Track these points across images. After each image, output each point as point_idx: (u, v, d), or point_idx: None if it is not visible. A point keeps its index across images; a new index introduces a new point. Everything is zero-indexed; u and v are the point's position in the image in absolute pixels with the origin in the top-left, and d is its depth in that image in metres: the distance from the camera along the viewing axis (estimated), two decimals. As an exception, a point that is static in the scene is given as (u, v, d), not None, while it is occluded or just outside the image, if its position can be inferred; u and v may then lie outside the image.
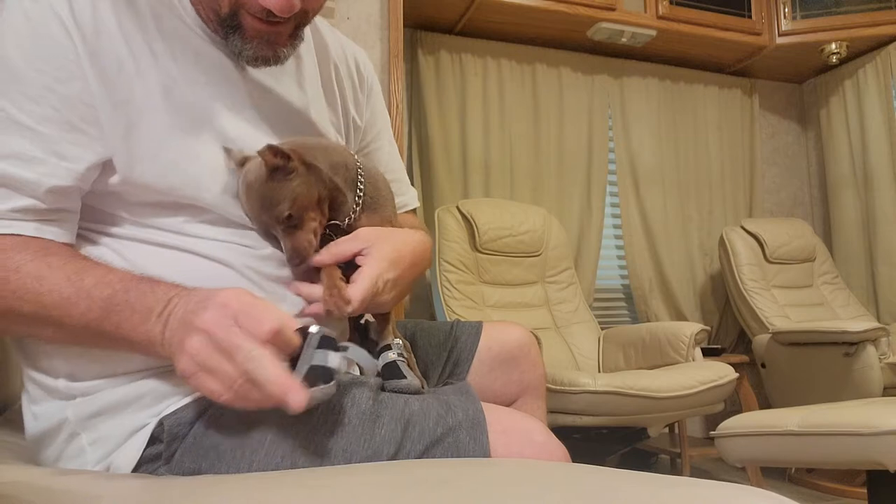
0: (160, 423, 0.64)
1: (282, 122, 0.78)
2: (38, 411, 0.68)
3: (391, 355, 0.78)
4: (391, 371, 0.78)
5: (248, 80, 0.75)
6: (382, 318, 0.82)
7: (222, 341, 0.54)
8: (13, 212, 0.62)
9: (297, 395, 0.52)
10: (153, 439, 0.64)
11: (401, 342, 0.82)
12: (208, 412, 0.64)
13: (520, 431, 0.61)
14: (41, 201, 0.63)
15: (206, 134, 0.71)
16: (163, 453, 0.63)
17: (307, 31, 0.83)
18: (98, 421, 0.65)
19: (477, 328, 0.99)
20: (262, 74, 0.76)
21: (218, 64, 0.73)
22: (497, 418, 0.61)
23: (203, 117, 0.71)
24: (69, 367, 0.66)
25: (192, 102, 0.70)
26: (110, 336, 0.61)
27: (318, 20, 0.88)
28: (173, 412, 0.64)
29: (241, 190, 0.70)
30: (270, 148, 0.66)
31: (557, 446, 0.61)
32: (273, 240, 0.72)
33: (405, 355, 0.82)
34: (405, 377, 0.76)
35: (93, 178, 0.66)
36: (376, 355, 0.80)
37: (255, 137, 0.74)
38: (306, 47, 0.84)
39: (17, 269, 0.61)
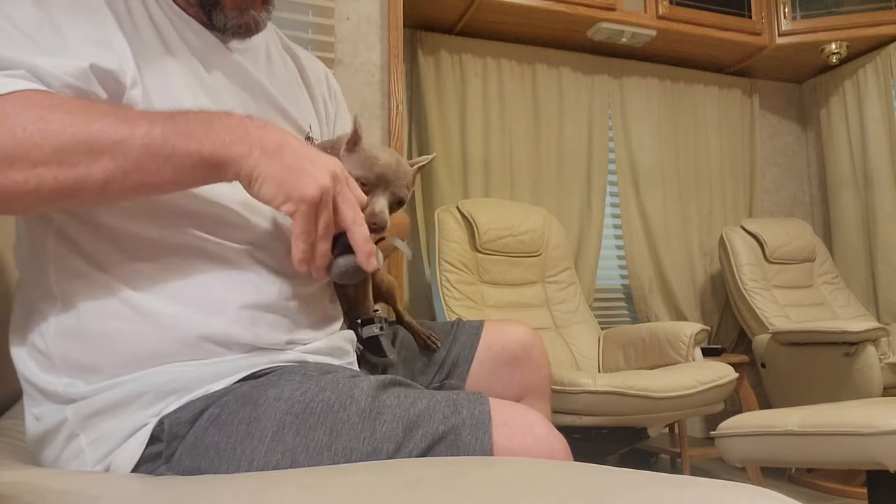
0: (160, 423, 0.64)
1: (260, 103, 0.82)
2: (39, 413, 0.68)
3: (375, 329, 0.86)
4: (374, 346, 0.85)
5: (233, 61, 0.80)
6: (363, 289, 0.87)
7: (345, 198, 0.63)
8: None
9: (373, 262, 0.64)
10: (153, 438, 0.64)
11: (381, 313, 0.89)
12: (208, 411, 0.64)
13: (521, 424, 0.61)
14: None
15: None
16: (163, 452, 0.63)
17: (274, 36, 0.91)
18: (97, 421, 0.65)
19: (477, 328, 0.98)
20: (243, 59, 0.81)
21: (206, 46, 0.77)
22: (498, 411, 0.61)
23: (195, 92, 0.74)
24: (71, 372, 0.66)
25: (186, 79, 0.73)
26: (179, 151, 0.59)
27: (290, 42, 0.96)
28: (173, 411, 0.64)
29: (397, 161, 0.75)
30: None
31: (558, 439, 0.62)
32: None
33: (386, 329, 0.89)
34: (386, 355, 0.85)
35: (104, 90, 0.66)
36: (360, 326, 0.87)
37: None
38: (275, 48, 0.90)
39: (58, 104, 0.58)
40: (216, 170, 0.61)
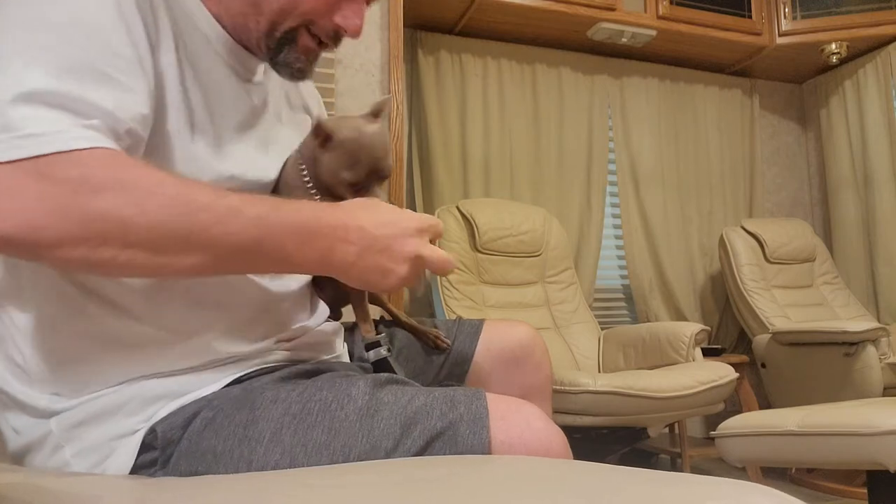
0: (152, 430, 0.63)
1: (270, 136, 0.80)
2: (19, 425, 0.66)
3: (382, 352, 0.83)
4: (384, 368, 0.82)
5: (249, 94, 0.77)
6: (362, 312, 0.84)
7: (431, 264, 0.66)
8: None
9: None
10: (146, 446, 0.63)
11: (385, 335, 0.86)
12: (200, 414, 0.63)
13: (518, 418, 0.61)
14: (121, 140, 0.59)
15: (216, 139, 0.71)
16: (158, 459, 0.63)
17: None
18: (82, 431, 0.64)
19: (477, 327, 0.98)
20: (257, 90, 0.78)
21: (225, 79, 0.73)
22: (495, 406, 0.61)
23: (214, 124, 0.71)
24: (53, 388, 0.64)
25: (204, 109, 0.70)
26: (263, 260, 0.60)
27: None
28: (164, 417, 0.64)
29: (372, 133, 0.74)
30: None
31: (556, 432, 0.62)
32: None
33: (392, 349, 0.87)
34: (393, 371, 0.81)
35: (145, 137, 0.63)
36: (365, 349, 0.83)
37: (250, 153, 0.76)
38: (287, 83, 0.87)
39: (160, 182, 0.55)
40: (304, 271, 0.67)
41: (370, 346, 0.83)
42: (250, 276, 0.72)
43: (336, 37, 0.74)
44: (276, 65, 0.74)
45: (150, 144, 0.63)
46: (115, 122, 0.57)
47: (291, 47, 0.73)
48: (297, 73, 0.76)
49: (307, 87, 0.94)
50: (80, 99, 0.55)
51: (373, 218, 0.64)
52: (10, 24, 0.57)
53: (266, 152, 0.78)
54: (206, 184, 0.60)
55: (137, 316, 0.65)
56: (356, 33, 0.74)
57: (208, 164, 0.69)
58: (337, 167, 0.73)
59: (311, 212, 0.62)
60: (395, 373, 0.81)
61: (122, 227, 0.53)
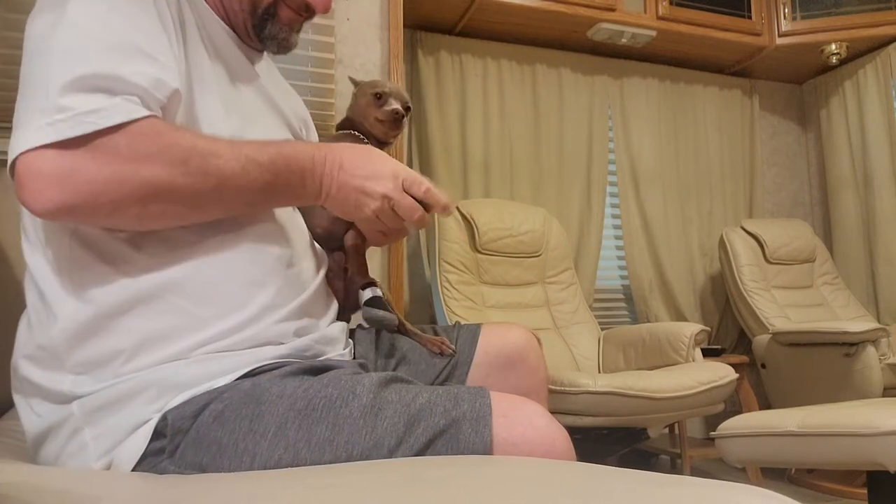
0: (164, 417, 0.64)
1: (275, 118, 0.88)
2: (41, 410, 0.68)
3: (378, 291, 0.92)
4: (375, 303, 0.91)
5: (257, 79, 0.85)
6: (357, 263, 0.92)
7: (399, 208, 0.74)
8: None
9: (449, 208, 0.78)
10: (156, 434, 0.64)
11: (377, 282, 0.94)
12: (210, 406, 0.64)
13: (520, 415, 0.62)
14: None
15: (233, 113, 0.78)
16: (166, 447, 0.64)
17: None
18: (103, 415, 0.65)
19: (475, 331, 0.99)
20: (261, 75, 0.87)
21: (236, 57, 0.82)
22: (498, 403, 0.62)
23: (228, 99, 0.78)
24: (78, 367, 0.66)
25: (218, 88, 0.77)
26: (275, 197, 0.72)
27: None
28: (176, 406, 0.65)
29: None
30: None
31: (558, 429, 0.62)
32: None
33: (386, 294, 0.96)
34: (388, 310, 0.90)
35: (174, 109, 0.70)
36: (359, 291, 0.92)
37: (262, 121, 0.84)
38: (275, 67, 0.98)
39: (192, 145, 0.65)
40: (299, 203, 0.77)
41: (365, 286, 0.91)
42: (281, 262, 0.77)
43: (308, 8, 0.83)
44: (263, 41, 0.83)
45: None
46: (149, 97, 0.66)
47: (274, 21, 0.82)
48: (283, 42, 0.84)
49: (303, 107, 1.03)
50: (120, 79, 0.63)
51: (351, 158, 0.74)
52: (53, 25, 0.64)
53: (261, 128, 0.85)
54: (223, 139, 0.68)
55: (161, 295, 0.67)
56: (325, 9, 0.83)
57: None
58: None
59: (306, 152, 0.72)
60: (388, 310, 0.91)
61: (167, 188, 0.63)
